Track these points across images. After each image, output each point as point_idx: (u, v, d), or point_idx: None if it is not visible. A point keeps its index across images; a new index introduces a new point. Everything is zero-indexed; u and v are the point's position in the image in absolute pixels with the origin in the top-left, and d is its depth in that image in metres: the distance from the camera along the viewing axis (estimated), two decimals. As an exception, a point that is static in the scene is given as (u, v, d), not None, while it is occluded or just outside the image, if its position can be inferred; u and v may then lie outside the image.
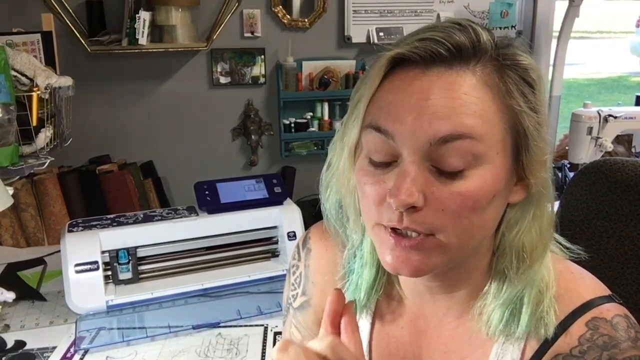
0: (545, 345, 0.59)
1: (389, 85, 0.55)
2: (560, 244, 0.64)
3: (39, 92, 1.29)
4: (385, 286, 0.67)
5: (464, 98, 0.52)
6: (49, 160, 1.34)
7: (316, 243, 0.74)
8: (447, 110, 0.51)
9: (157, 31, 1.91)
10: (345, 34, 2.16)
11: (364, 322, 0.69)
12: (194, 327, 1.20)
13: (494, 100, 0.53)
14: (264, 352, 1.13)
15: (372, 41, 2.15)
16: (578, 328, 0.58)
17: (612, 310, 0.58)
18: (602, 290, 0.61)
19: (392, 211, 0.53)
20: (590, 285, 0.61)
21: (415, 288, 0.65)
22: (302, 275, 0.75)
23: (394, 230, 0.54)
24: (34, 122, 1.30)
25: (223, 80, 2.09)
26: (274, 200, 1.45)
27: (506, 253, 0.59)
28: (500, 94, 0.53)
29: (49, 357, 1.12)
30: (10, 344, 1.16)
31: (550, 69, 2.37)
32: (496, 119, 0.53)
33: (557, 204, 1.97)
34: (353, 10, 2.14)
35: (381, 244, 0.56)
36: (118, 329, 1.20)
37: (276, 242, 1.45)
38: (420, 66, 0.53)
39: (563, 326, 0.58)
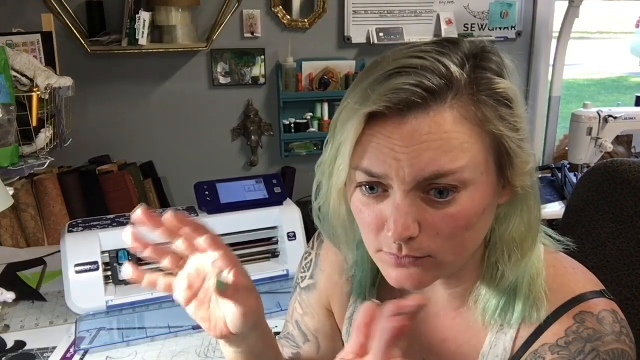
0: (535, 335, 0.61)
1: (370, 130, 0.55)
2: (550, 237, 0.67)
3: (39, 92, 1.29)
4: (382, 282, 0.71)
5: (444, 137, 0.53)
6: (49, 161, 1.34)
7: None
8: (430, 152, 0.53)
9: (157, 32, 1.91)
10: (345, 34, 2.16)
11: None
12: (194, 328, 1.20)
13: (474, 129, 0.55)
14: (264, 353, 1.13)
15: (372, 42, 2.15)
16: (566, 320, 0.60)
17: (600, 305, 0.60)
18: (593, 285, 0.63)
19: (391, 241, 0.56)
20: (581, 280, 0.63)
21: None
22: (312, 262, 0.82)
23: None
24: (34, 123, 1.30)
25: (223, 80, 2.09)
26: (274, 200, 1.45)
27: (497, 247, 0.62)
28: (478, 123, 0.55)
29: (49, 357, 1.12)
30: (10, 344, 1.16)
31: (550, 69, 2.37)
32: (478, 145, 0.55)
33: (556, 205, 1.97)
34: (353, 11, 2.14)
35: (383, 265, 0.60)
36: (118, 329, 1.20)
37: (276, 243, 1.45)
38: (397, 116, 0.54)
39: (553, 318, 0.61)
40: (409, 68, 0.54)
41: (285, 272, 1.40)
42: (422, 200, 0.55)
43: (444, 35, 2.18)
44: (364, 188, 0.58)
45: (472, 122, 0.54)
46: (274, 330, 1.19)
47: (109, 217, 1.38)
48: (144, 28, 1.80)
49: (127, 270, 0.61)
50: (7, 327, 1.21)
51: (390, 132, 0.54)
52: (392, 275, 0.59)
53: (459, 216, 0.55)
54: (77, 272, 1.23)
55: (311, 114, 2.16)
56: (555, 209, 1.84)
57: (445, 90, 0.53)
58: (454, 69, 0.54)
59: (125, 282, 1.31)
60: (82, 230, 1.29)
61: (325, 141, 0.62)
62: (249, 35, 2.06)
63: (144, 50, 1.86)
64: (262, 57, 2.09)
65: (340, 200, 0.61)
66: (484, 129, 0.55)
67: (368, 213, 0.58)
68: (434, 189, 0.54)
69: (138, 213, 0.57)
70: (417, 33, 2.19)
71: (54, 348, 1.15)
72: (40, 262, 1.54)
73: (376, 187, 0.57)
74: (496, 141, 0.56)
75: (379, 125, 0.54)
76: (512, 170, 0.58)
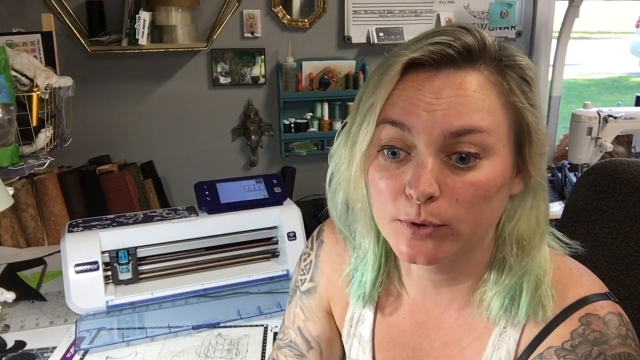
0: (539, 337, 0.61)
1: (402, 85, 0.58)
2: (559, 239, 0.67)
3: (39, 92, 1.29)
4: (385, 282, 0.71)
5: (473, 95, 0.56)
6: (49, 161, 1.34)
7: (328, 236, 0.81)
8: (458, 107, 0.55)
9: (157, 31, 1.91)
10: (345, 34, 2.16)
11: (367, 313, 0.74)
12: (193, 328, 1.20)
13: (499, 97, 0.57)
14: (264, 353, 1.13)
15: (372, 41, 2.15)
16: (571, 323, 0.60)
17: (606, 308, 0.60)
18: (598, 287, 0.63)
19: (409, 205, 0.57)
20: (587, 283, 0.63)
21: (420, 282, 0.69)
22: (312, 263, 0.81)
23: (411, 223, 0.57)
24: (34, 123, 1.30)
25: (223, 80, 2.09)
26: (273, 200, 1.45)
27: (506, 242, 0.63)
28: (504, 92, 0.58)
29: (49, 357, 1.12)
30: (10, 344, 1.16)
31: (550, 69, 2.36)
32: (501, 114, 0.57)
33: (556, 204, 1.97)
34: (353, 11, 2.14)
35: (397, 236, 0.60)
36: (118, 329, 1.20)
37: (276, 243, 1.45)
38: (431, 69, 0.57)
39: (557, 320, 0.60)
40: (447, 30, 0.59)
41: (285, 272, 1.40)
42: (444, 165, 0.56)
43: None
44: (385, 152, 0.58)
45: (498, 90, 0.58)
46: (274, 330, 1.20)
47: (109, 217, 1.38)
48: (143, 28, 1.80)
49: None
50: (7, 327, 1.21)
51: (422, 84, 0.57)
52: (404, 248, 0.59)
53: (479, 184, 0.56)
54: (77, 272, 1.23)
55: (311, 114, 2.16)
56: (555, 209, 1.84)
57: (478, 51, 0.57)
58: (489, 38, 0.59)
59: (125, 282, 1.31)
60: (82, 230, 1.29)
61: (344, 122, 0.64)
62: (249, 35, 2.06)
63: (144, 50, 1.86)
64: (262, 57, 2.09)
65: (361, 170, 0.61)
66: (508, 100, 0.58)
67: (386, 178, 0.58)
68: (456, 154, 0.56)
69: None
70: (417, 33, 2.18)
71: (54, 348, 1.15)
72: (40, 262, 1.54)
73: (398, 152, 0.58)
74: (517, 115, 0.58)
75: (411, 79, 0.57)
76: (530, 147, 0.59)
